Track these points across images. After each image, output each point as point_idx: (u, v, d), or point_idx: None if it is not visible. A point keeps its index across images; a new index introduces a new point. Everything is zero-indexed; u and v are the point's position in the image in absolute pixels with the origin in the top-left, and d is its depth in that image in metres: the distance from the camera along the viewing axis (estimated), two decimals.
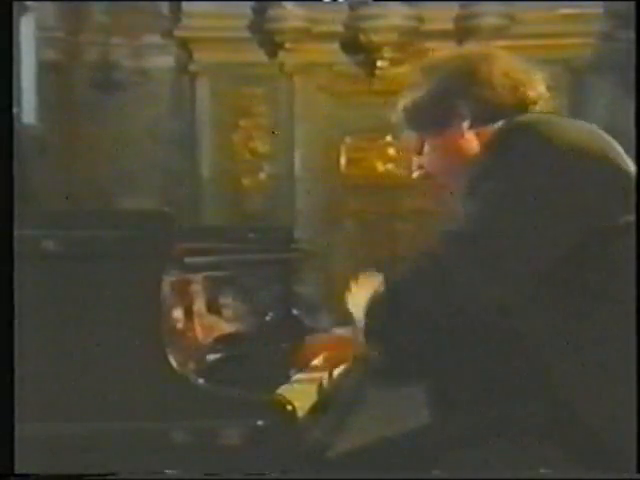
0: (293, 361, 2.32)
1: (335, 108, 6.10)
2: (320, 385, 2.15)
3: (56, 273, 1.92)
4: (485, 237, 1.81)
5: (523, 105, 2.00)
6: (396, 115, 2.13)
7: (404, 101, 2.11)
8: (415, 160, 2.13)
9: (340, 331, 2.35)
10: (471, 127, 2.01)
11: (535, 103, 2.02)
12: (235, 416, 1.89)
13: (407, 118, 2.10)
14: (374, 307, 1.92)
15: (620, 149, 1.94)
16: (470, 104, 2.00)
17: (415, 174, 2.13)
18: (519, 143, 1.87)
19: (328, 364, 2.30)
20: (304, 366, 2.34)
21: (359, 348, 2.05)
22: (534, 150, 1.85)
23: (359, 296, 1.99)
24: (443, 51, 2.20)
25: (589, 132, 1.96)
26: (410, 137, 2.12)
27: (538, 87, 2.04)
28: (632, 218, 1.82)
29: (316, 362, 2.37)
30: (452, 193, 2.04)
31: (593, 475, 1.82)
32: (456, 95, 2.01)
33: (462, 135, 2.02)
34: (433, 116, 2.04)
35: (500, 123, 1.96)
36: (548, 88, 2.06)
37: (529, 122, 1.94)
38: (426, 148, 2.09)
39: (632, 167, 1.91)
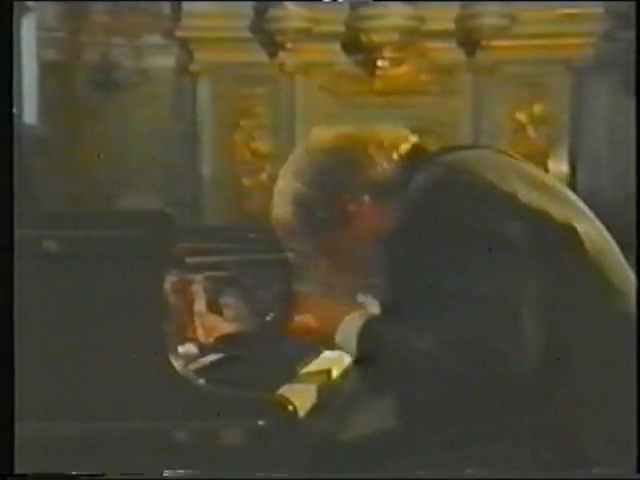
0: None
1: (336, 108, 6.10)
2: (321, 385, 2.15)
3: (57, 273, 1.93)
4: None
5: (401, 162, 2.03)
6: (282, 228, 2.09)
7: (285, 206, 2.08)
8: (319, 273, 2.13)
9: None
10: (371, 201, 2.02)
11: (413, 152, 2.04)
12: (236, 416, 1.89)
13: (299, 222, 2.06)
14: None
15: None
16: (362, 190, 2.02)
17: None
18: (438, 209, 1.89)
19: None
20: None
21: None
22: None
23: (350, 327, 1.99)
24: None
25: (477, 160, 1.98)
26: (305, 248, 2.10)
27: (408, 139, 2.06)
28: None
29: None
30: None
31: (593, 475, 1.82)
32: (346, 188, 2.02)
33: (368, 212, 2.02)
34: (330, 213, 2.03)
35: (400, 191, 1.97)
36: (412, 131, 2.09)
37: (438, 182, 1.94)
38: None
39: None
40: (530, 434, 1.84)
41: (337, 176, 2.03)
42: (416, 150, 2.06)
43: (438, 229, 1.85)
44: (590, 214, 1.98)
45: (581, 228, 1.89)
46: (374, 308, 2.12)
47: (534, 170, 2.05)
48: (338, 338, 1.99)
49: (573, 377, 1.82)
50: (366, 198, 2.02)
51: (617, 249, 1.96)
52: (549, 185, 1.99)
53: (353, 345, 1.95)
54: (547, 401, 1.82)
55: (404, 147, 2.05)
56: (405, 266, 1.93)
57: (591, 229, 1.92)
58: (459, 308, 1.80)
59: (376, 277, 2.07)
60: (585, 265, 1.87)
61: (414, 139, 2.08)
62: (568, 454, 1.83)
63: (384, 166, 2.02)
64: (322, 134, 2.12)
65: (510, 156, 2.06)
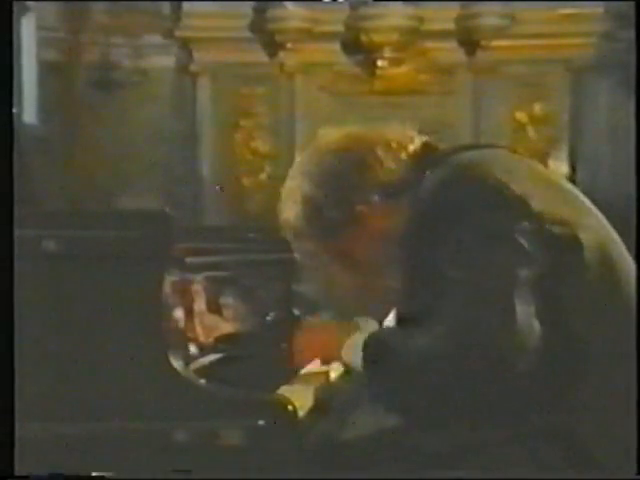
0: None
1: (336, 108, 6.10)
2: (318, 387, 2.15)
3: (56, 273, 1.93)
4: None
5: (410, 162, 2.03)
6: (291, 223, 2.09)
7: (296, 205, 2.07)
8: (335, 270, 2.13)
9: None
10: (380, 202, 2.03)
11: (422, 152, 2.05)
12: (236, 416, 1.89)
13: (309, 222, 2.07)
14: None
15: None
16: (371, 191, 2.02)
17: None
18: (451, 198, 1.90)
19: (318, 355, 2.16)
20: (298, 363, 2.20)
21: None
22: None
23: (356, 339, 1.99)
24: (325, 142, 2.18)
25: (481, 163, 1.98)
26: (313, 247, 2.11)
27: (415, 140, 2.07)
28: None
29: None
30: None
31: (593, 475, 1.82)
32: (355, 189, 2.02)
33: (377, 212, 2.03)
34: (340, 214, 2.03)
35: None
36: (419, 131, 2.10)
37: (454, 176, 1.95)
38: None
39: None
40: (530, 432, 1.84)
41: (346, 177, 2.03)
42: (426, 149, 2.06)
43: (446, 225, 1.86)
44: (598, 213, 1.98)
45: (584, 235, 1.89)
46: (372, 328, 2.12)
47: (545, 171, 2.05)
48: (344, 355, 2.00)
49: (578, 376, 1.82)
50: (375, 199, 2.02)
51: (624, 248, 1.96)
52: (559, 186, 1.99)
53: (359, 357, 1.95)
54: (550, 401, 1.82)
55: (412, 147, 2.05)
56: (416, 265, 1.93)
57: (598, 229, 1.92)
58: (459, 295, 1.80)
59: (386, 278, 2.07)
60: (587, 267, 1.87)
61: (423, 138, 2.08)
62: (571, 455, 1.82)
63: (392, 167, 2.02)
64: (329, 135, 2.12)
65: (522, 156, 2.06)
